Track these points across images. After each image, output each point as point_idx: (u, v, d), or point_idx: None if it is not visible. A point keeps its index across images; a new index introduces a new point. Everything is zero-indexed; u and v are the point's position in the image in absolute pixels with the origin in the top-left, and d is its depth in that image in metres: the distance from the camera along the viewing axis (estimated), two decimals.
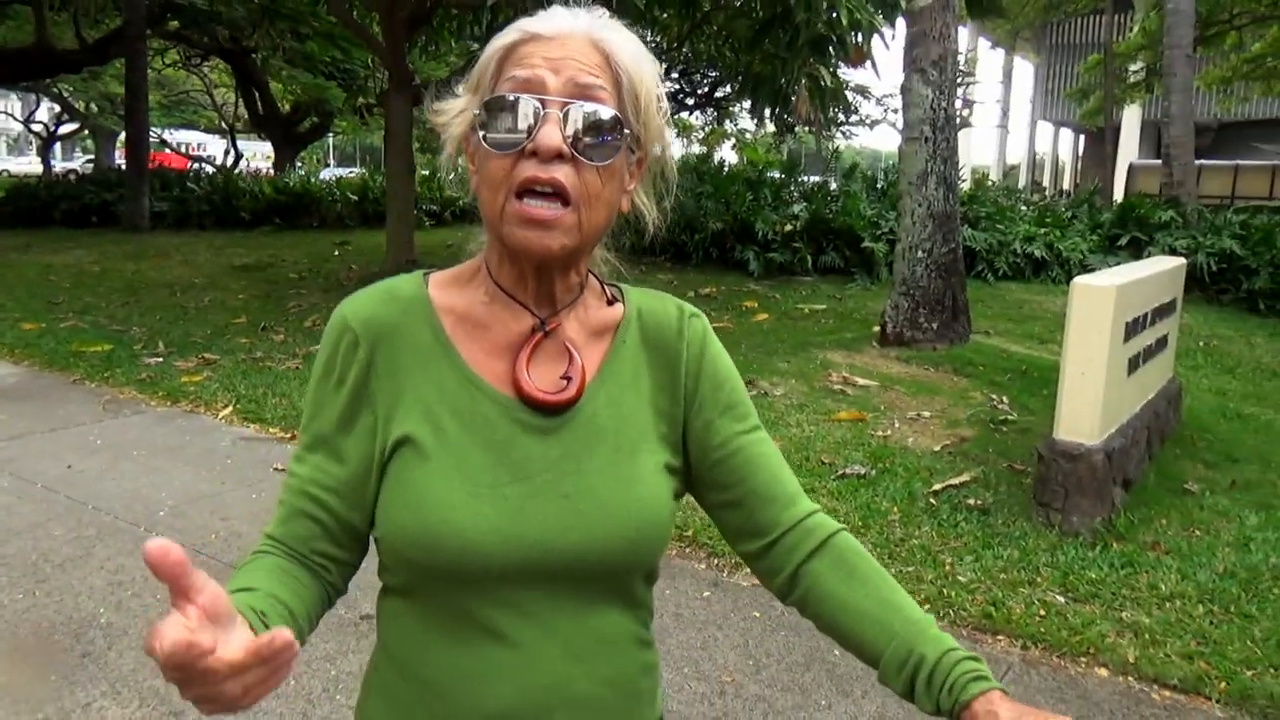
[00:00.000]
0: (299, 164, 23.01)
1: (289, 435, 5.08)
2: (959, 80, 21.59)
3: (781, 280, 9.88)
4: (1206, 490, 4.37)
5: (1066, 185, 36.67)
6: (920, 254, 6.55)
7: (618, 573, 0.94)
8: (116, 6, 14.04)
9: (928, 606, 3.26)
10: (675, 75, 21.43)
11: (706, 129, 29.91)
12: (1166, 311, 4.78)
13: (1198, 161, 12.80)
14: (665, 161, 0.98)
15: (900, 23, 7.51)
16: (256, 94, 18.99)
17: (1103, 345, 3.68)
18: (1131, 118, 29.67)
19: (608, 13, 0.93)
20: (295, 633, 0.75)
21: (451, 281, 0.98)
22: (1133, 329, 4.06)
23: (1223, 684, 2.86)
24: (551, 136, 0.85)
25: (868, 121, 26.19)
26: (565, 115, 0.86)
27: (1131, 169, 21.80)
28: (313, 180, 16.59)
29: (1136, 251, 9.38)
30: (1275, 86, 18.32)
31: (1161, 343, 4.72)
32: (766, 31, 7.37)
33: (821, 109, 8.24)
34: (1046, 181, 39.36)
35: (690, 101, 22.80)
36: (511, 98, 0.86)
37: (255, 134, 23.63)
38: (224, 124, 25.86)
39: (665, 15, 10.00)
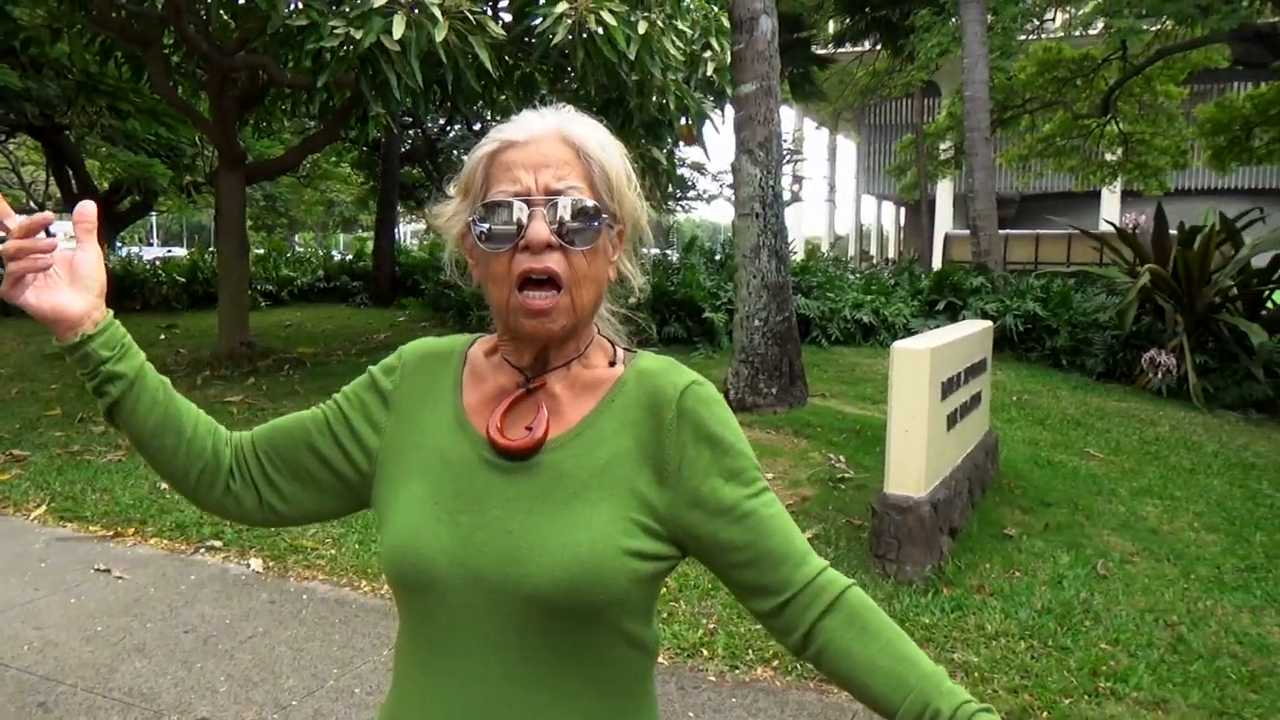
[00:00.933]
0: (119, 244, 21.86)
1: (111, 533, 4.77)
2: (787, 158, 22.82)
3: None
4: (1024, 534, 4.71)
5: (892, 254, 39.05)
6: (757, 323, 6.84)
7: (557, 615, 0.97)
8: None
9: (776, 662, 3.36)
10: None
11: None
12: (979, 370, 5.17)
13: (1003, 231, 13.94)
14: (641, 229, 1.10)
15: (729, 107, 7.94)
16: (70, 172, 17.98)
17: (922, 404, 3.95)
18: (944, 191, 32.01)
19: (571, 108, 1.06)
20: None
21: (488, 342, 1.13)
22: (949, 388, 4.37)
23: (1044, 713, 3.07)
24: (539, 231, 0.98)
25: (705, 196, 27.22)
26: (549, 210, 0.98)
27: (947, 238, 23.46)
28: (135, 261, 15.76)
29: (952, 315, 10.08)
30: (1065, 163, 20.12)
31: (976, 399, 5.09)
32: (601, 115, 7.63)
33: (656, 186, 8.55)
34: (874, 250, 41.80)
35: None
36: (501, 201, 0.99)
37: (68, 213, 22.33)
38: (32, 203, 24.30)
39: (504, 97, 10.19)
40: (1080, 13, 14.11)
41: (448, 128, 19.42)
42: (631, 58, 6.24)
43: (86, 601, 3.97)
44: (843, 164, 43.08)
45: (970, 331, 5.06)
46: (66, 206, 19.92)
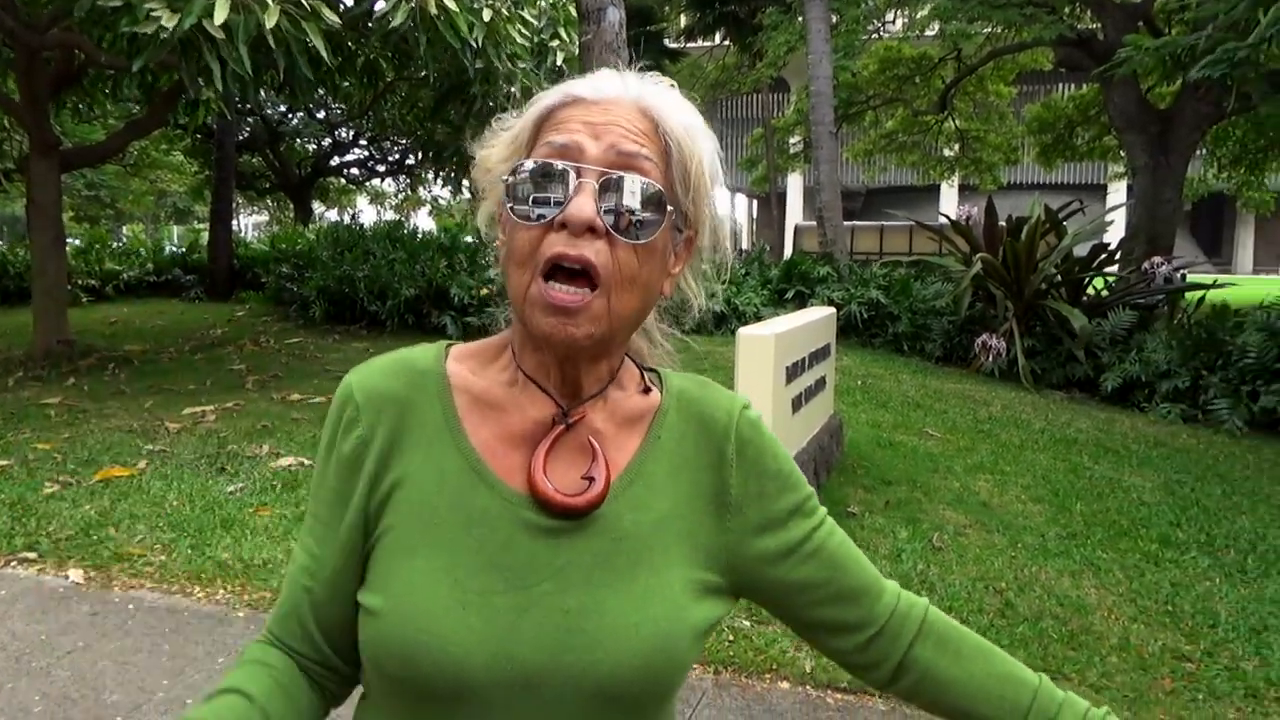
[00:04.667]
0: None
1: None
2: None
3: None
4: (866, 512, 4.88)
5: (745, 245, 40.06)
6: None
7: (621, 704, 0.81)
8: None
9: None
10: (364, 142, 21.07)
11: (400, 196, 29.62)
12: (823, 355, 5.32)
13: (851, 223, 14.44)
14: (719, 241, 0.90)
15: None
16: None
17: (767, 388, 4.03)
18: (795, 184, 33.07)
19: (664, 78, 0.86)
20: None
21: (473, 356, 0.91)
22: (793, 372, 4.48)
23: None
24: (583, 208, 0.77)
25: None
26: (601, 186, 0.78)
27: (797, 229, 24.23)
28: None
29: (801, 303, 10.38)
30: (906, 158, 21.04)
31: (820, 383, 5.24)
32: (446, 102, 7.46)
33: None
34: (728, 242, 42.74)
35: (381, 169, 22.49)
36: (542, 164, 0.79)
37: None
38: None
39: (348, 84, 9.85)
40: (919, 15, 14.77)
41: (289, 115, 18.65)
42: (475, 44, 6.11)
43: None
44: None
45: (814, 318, 5.20)
46: None
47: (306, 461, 5.58)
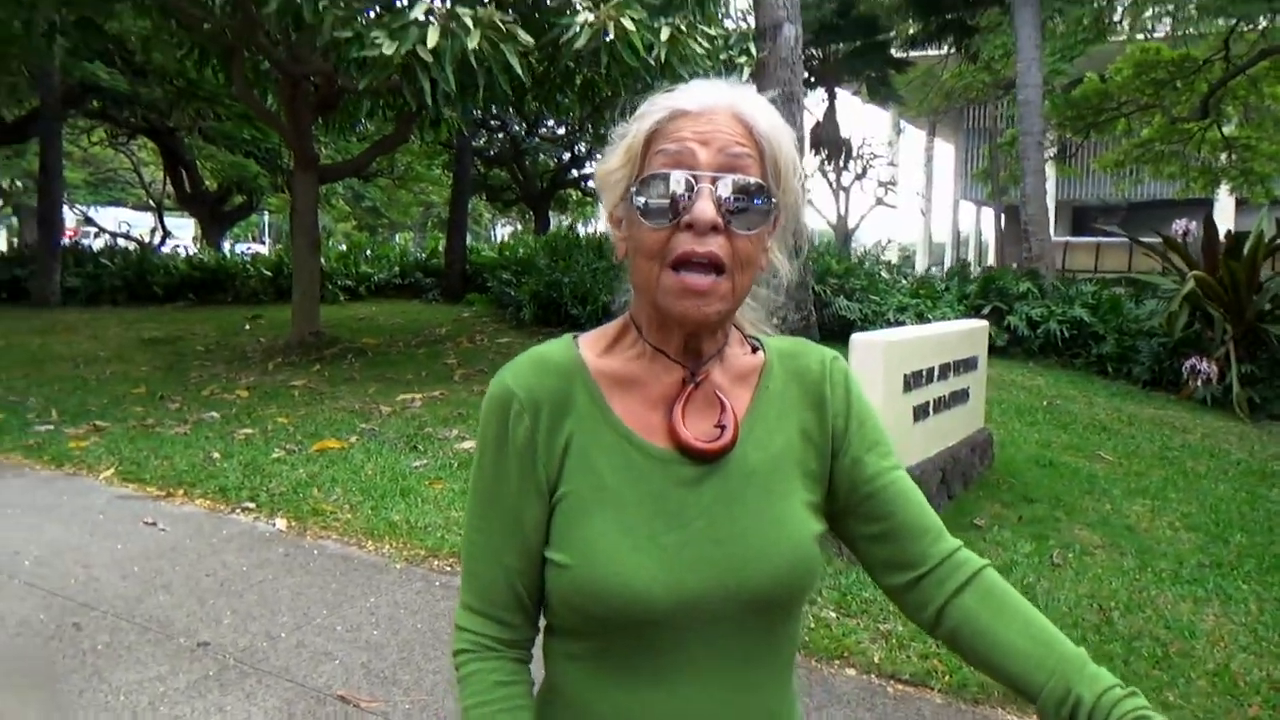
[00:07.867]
0: (226, 241, 23.29)
1: (164, 494, 5.35)
2: (866, 161, 22.68)
3: None
4: (995, 525, 4.87)
5: (992, 261, 38.10)
6: (775, 321, 7.09)
7: (771, 610, 0.97)
8: (32, 88, 14.34)
9: None
10: (599, 157, 22.14)
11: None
12: (966, 367, 5.32)
13: (1064, 239, 13.60)
14: (799, 221, 1.03)
15: None
16: (183, 171, 19.31)
17: (878, 393, 4.18)
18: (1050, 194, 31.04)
19: (748, 86, 0.98)
20: None
21: (600, 341, 1.03)
22: (915, 381, 4.57)
23: (947, 677, 3.30)
24: (706, 211, 0.90)
25: None
26: (717, 188, 0.91)
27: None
28: (229, 256, 16.86)
29: (998, 319, 10.08)
30: (1164, 169, 19.41)
31: (960, 395, 5.25)
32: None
33: None
34: (971, 258, 40.76)
35: None
36: (664, 174, 0.92)
37: (183, 211, 23.87)
38: (151, 201, 26.04)
39: (566, 100, 10.63)
40: (1184, 12, 13.66)
41: (531, 133, 20.09)
42: (652, 62, 6.59)
43: (130, 548, 4.53)
44: (941, 169, 42.23)
45: (951, 329, 5.23)
46: (181, 205, 21.35)
47: None
